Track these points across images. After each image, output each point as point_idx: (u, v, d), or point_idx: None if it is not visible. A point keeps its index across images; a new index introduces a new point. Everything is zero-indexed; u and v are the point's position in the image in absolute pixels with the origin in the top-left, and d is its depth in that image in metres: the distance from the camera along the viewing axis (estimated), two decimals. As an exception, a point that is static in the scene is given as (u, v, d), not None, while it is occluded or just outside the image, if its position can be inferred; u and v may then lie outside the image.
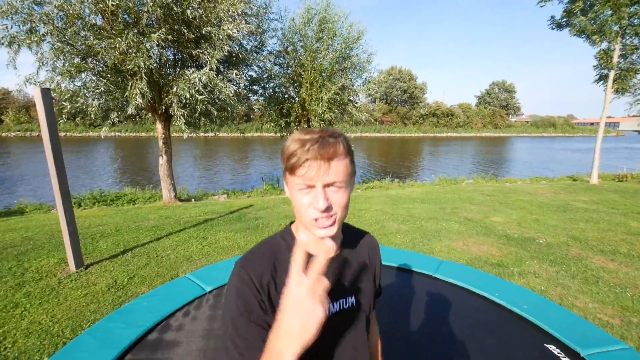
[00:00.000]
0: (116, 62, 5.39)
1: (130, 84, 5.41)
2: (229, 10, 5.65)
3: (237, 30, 5.89)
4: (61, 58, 5.23)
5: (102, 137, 6.79)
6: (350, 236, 0.81)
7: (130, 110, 5.59)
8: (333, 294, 0.70)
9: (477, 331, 2.09)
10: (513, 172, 16.79)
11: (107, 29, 5.25)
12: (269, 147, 28.94)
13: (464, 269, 3.09)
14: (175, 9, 5.24)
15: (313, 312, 0.48)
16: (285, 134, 9.24)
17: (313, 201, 0.62)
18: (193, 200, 8.11)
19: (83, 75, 5.68)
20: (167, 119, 6.90)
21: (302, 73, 8.33)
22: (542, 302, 2.46)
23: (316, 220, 0.63)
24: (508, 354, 1.89)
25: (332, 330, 0.69)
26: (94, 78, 5.79)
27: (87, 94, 5.83)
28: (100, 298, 2.71)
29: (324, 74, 8.24)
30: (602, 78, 9.75)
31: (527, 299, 2.47)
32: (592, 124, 77.42)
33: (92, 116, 5.89)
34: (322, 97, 7.95)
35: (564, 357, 1.85)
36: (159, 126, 6.93)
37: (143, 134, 38.75)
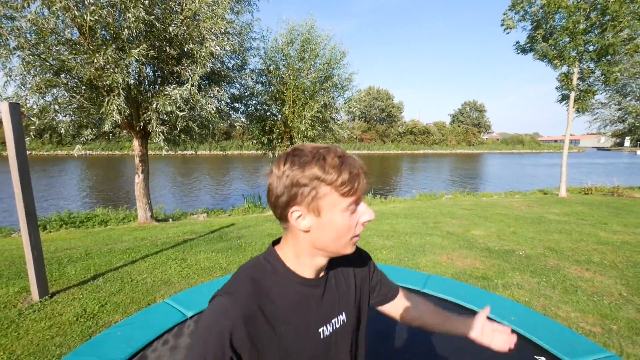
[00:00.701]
0: (92, 77, 5.23)
1: (106, 100, 5.25)
2: (212, 29, 5.69)
3: (220, 48, 5.92)
4: (31, 72, 5.01)
5: (76, 155, 6.43)
6: None
7: (107, 127, 5.39)
8: (327, 316, 0.68)
9: (468, 345, 2.06)
10: (488, 187, 17.49)
11: (83, 44, 5.12)
12: (250, 165, 28.66)
13: (451, 282, 3.10)
14: (157, 25, 5.21)
15: None
16: (267, 151, 9.21)
17: (364, 215, 0.61)
18: (171, 220, 7.78)
19: (55, 90, 5.46)
20: (144, 136, 6.71)
21: (285, 91, 8.43)
22: (528, 313, 2.50)
23: (357, 236, 0.62)
24: (501, 368, 1.87)
25: (327, 350, 0.67)
26: (66, 94, 5.57)
27: (58, 110, 5.58)
28: (67, 329, 2.47)
29: (306, 92, 8.39)
30: (564, 98, 10.54)
31: (514, 310, 2.49)
32: (555, 141, 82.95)
33: (63, 132, 5.61)
34: (305, 115, 8.05)
35: (554, 368, 1.86)
36: (135, 143, 6.71)
37: (116, 152, 37.41)
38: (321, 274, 0.69)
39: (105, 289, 3.16)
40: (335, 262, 0.73)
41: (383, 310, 0.91)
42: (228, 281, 0.62)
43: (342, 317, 0.71)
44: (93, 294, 3.06)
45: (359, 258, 0.82)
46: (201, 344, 0.54)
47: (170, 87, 5.59)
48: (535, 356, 1.99)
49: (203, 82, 6.52)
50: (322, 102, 8.34)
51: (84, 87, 5.54)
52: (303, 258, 0.64)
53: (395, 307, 0.90)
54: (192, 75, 5.60)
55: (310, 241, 0.61)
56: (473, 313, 2.53)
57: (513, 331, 2.21)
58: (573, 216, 7.17)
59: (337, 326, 0.69)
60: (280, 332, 0.60)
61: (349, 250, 0.63)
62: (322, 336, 0.66)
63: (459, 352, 2.00)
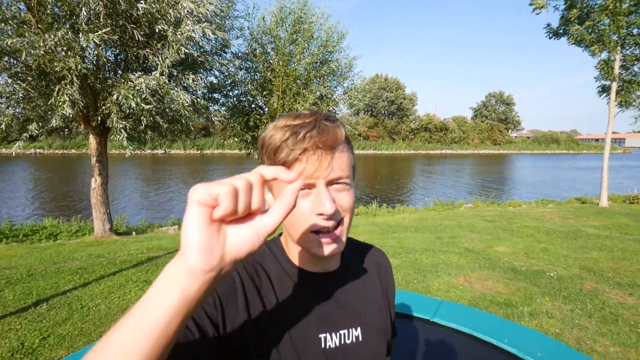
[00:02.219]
0: (40, 62, 5.22)
1: (57, 89, 5.23)
2: (193, 12, 5.69)
3: (203, 33, 5.90)
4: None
5: (14, 154, 6.37)
6: (352, 251, 0.76)
7: (55, 122, 5.36)
8: (332, 323, 0.65)
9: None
10: (516, 194, 17.58)
11: (31, 22, 5.13)
12: (232, 167, 28.65)
13: (466, 310, 3.09)
14: (122, 4, 5.21)
15: (191, 193, 0.35)
16: (251, 150, 9.21)
17: (316, 205, 0.56)
18: (134, 233, 7.74)
19: (-5, 77, 5.44)
20: (103, 132, 6.68)
21: (273, 79, 8.47)
22: (557, 347, 2.49)
23: (318, 232, 0.58)
24: (523, 415, 1.86)
25: None
26: (9, 81, 5.55)
27: (0, 101, 5.56)
28: (-1, 367, 2.44)
29: (298, 81, 8.43)
30: (605, 90, 10.67)
31: (540, 344, 2.48)
32: (597, 140, 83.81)
33: (4, 127, 5.58)
34: (297, 108, 8.07)
35: (586, 414, 1.85)
36: (92, 141, 6.69)
37: (73, 150, 37.32)
38: (329, 269, 0.68)
39: (49, 318, 3.12)
40: (355, 262, 0.74)
41: None
42: None
43: (356, 332, 0.68)
44: (34, 324, 3.02)
45: (386, 267, 0.80)
46: None
47: (134, 75, 5.59)
48: (564, 400, 1.98)
49: (176, 69, 6.53)
50: (318, 93, 8.37)
51: (30, 75, 5.52)
52: (290, 244, 0.67)
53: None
54: (162, 62, 5.59)
55: (284, 225, 0.62)
56: (492, 347, 2.52)
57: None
58: (615, 230, 7.22)
59: (348, 341, 0.66)
60: (267, 320, 0.61)
61: (315, 249, 0.59)
62: (323, 344, 0.64)
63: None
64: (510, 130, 69.45)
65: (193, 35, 5.77)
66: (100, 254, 5.40)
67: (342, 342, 0.66)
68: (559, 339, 2.95)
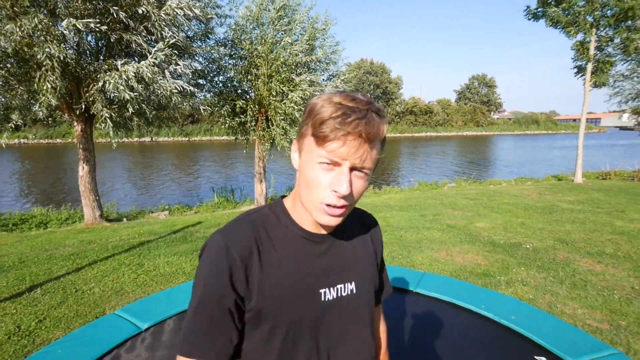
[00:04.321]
0: (18, 48, 5.02)
1: (38, 76, 5.05)
2: None
3: (189, 12, 5.69)
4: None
5: (3, 145, 6.17)
6: (350, 215, 0.81)
7: (39, 111, 5.19)
8: (331, 279, 0.71)
9: (464, 347, 2.18)
10: (497, 174, 17.94)
11: (5, 7, 4.89)
12: (220, 152, 28.32)
13: (447, 281, 3.22)
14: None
15: None
16: (239, 136, 9.11)
17: (334, 182, 0.60)
18: (125, 219, 7.67)
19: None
20: (87, 120, 6.52)
21: (259, 64, 8.31)
22: (530, 311, 2.63)
23: (328, 205, 0.62)
24: (497, 370, 1.99)
25: (331, 319, 0.71)
26: (-13, 68, 5.33)
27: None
28: (-3, 350, 2.45)
29: (284, 66, 8.30)
30: (580, 70, 10.84)
31: (515, 309, 2.62)
32: (574, 120, 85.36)
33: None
34: (288, 94, 7.98)
35: (554, 368, 1.98)
36: (77, 128, 6.52)
37: (58, 140, 36.19)
38: (328, 231, 0.73)
39: (43, 302, 3.12)
40: (350, 224, 0.78)
41: None
42: (228, 223, 0.69)
43: (351, 286, 0.73)
44: (29, 308, 3.02)
45: (376, 228, 0.86)
46: (201, 286, 0.64)
47: (119, 61, 5.41)
48: (535, 356, 2.11)
49: (164, 55, 6.34)
50: (309, 79, 8.25)
51: (9, 61, 5.31)
52: (298, 206, 0.70)
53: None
54: (156, 50, 5.39)
55: (298, 184, 0.68)
56: (470, 313, 2.64)
57: (511, 330, 2.32)
58: (588, 204, 7.49)
59: (344, 294, 0.72)
60: (278, 281, 0.66)
61: (318, 215, 0.64)
62: (323, 298, 0.70)
63: (453, 357, 2.10)
64: (492, 112, 70.02)
65: (178, 13, 5.58)
66: (91, 240, 5.36)
67: (339, 295, 0.71)
68: (532, 304, 3.10)
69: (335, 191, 0.60)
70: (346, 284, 0.73)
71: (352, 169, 0.60)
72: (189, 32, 7.06)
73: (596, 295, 3.28)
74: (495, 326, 2.42)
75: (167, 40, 5.53)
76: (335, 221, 0.64)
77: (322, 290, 0.70)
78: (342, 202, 0.61)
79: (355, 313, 0.74)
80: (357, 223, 0.81)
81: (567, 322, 2.60)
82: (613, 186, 10.12)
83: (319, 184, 0.61)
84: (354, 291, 0.73)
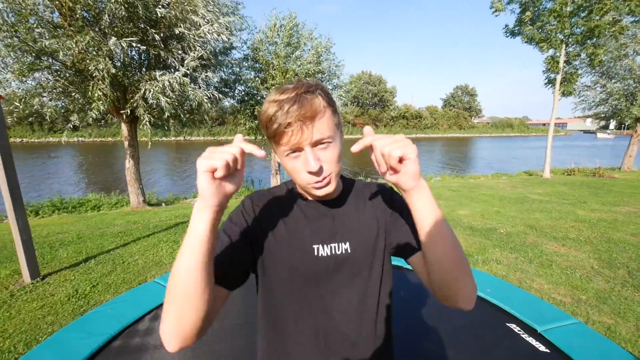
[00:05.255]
0: (75, 61, 5.03)
1: (91, 85, 5.07)
2: (205, 17, 5.44)
3: (218, 35, 5.68)
4: (12, 55, 4.79)
5: (63, 142, 6.25)
6: (351, 185, 0.78)
7: (93, 114, 5.22)
8: (325, 238, 0.69)
9: (445, 314, 2.16)
10: (476, 169, 17.67)
11: (64, 26, 4.89)
12: (243, 151, 28.33)
13: (432, 259, 3.18)
14: (140, 8, 4.97)
15: (198, 164, 0.50)
16: (257, 136, 9.11)
17: (305, 165, 0.60)
18: (163, 204, 7.74)
19: (38, 74, 5.25)
20: (132, 121, 6.55)
21: (274, 75, 8.25)
22: (503, 285, 2.59)
23: (317, 182, 0.62)
24: (474, 333, 1.97)
25: (327, 273, 0.69)
26: (50, 77, 5.36)
27: (43, 94, 5.39)
28: (58, 309, 2.49)
29: (296, 76, 8.22)
30: (550, 81, 10.55)
31: (490, 283, 2.59)
32: (544, 124, 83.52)
33: (48, 118, 5.44)
34: None
35: (523, 334, 1.95)
36: (124, 128, 6.56)
37: (109, 138, 36.55)
38: (330, 199, 0.71)
39: (96, 271, 3.17)
40: (352, 197, 0.75)
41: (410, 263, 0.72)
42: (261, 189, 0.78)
43: (345, 246, 0.69)
44: (85, 275, 3.07)
45: (384, 193, 0.76)
46: (237, 208, 0.73)
47: (158, 73, 5.40)
48: (506, 324, 2.08)
49: (194, 68, 6.32)
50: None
51: (67, 71, 5.33)
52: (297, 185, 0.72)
53: (416, 265, 0.70)
54: (187, 63, 5.38)
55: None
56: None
57: (486, 301, 2.28)
58: (555, 196, 7.34)
59: (338, 252, 0.69)
60: (278, 234, 0.69)
61: (312, 192, 0.64)
62: (316, 253, 0.68)
63: (437, 321, 2.08)
64: (473, 117, 68.77)
65: (209, 37, 5.57)
66: (136, 220, 5.42)
67: (333, 252, 0.69)
68: (505, 279, 3.06)
69: (308, 171, 0.60)
70: (340, 244, 0.70)
71: (314, 144, 0.59)
72: (216, 49, 7.02)
73: (560, 273, 3.22)
74: (473, 297, 2.40)
75: (197, 53, 5.50)
76: (328, 189, 0.63)
77: (315, 246, 0.68)
78: (320, 176, 0.61)
79: (351, 270, 0.69)
80: (358, 196, 0.76)
81: (535, 295, 2.56)
82: (577, 181, 9.90)
83: (296, 171, 0.62)
84: (349, 250, 0.69)
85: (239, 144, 0.52)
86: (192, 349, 1.80)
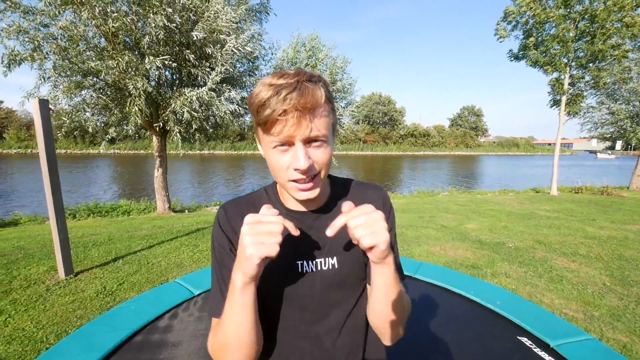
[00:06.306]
0: (116, 80, 5.31)
1: (129, 101, 5.32)
2: (229, 34, 5.66)
3: (241, 48, 5.87)
4: (62, 75, 5.10)
5: (102, 152, 6.54)
6: (345, 191, 0.67)
7: (130, 128, 5.45)
8: (309, 253, 0.61)
9: (454, 325, 2.04)
10: (483, 186, 17.21)
11: (109, 49, 5.20)
12: (261, 164, 28.79)
13: (441, 270, 3.06)
14: (176, 32, 5.24)
15: (246, 247, 0.47)
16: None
17: (292, 161, 0.51)
18: (187, 211, 7.87)
19: (84, 92, 5.56)
20: (163, 134, 6.79)
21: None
22: (513, 298, 2.45)
23: (295, 181, 0.53)
24: (484, 346, 1.85)
25: (312, 290, 0.61)
26: (93, 94, 5.67)
27: (86, 109, 5.69)
28: (87, 304, 2.52)
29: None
30: (556, 103, 10.29)
31: (499, 296, 2.45)
32: (549, 144, 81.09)
33: (91, 131, 5.71)
34: None
35: (535, 347, 1.82)
36: (155, 140, 6.80)
37: (142, 151, 37.98)
38: (310, 208, 0.62)
39: (124, 270, 3.21)
40: (340, 201, 0.64)
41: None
42: (233, 198, 0.69)
43: (332, 261, 0.61)
44: (113, 274, 3.12)
45: (377, 201, 0.66)
46: (215, 228, 0.64)
47: (187, 90, 5.62)
48: (517, 337, 1.95)
49: (217, 85, 6.55)
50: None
51: (109, 89, 5.63)
52: (279, 187, 0.64)
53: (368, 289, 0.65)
54: (212, 78, 5.59)
55: (271, 172, 0.58)
56: (461, 297, 2.48)
57: (496, 313, 2.16)
58: (563, 213, 7.01)
59: (324, 268, 0.61)
60: None
61: (293, 193, 0.55)
62: (300, 269, 0.60)
63: (445, 333, 1.98)
64: (479, 136, 67.68)
65: (235, 52, 5.77)
66: (161, 225, 5.52)
67: (319, 268, 0.61)
68: (515, 293, 2.89)
69: (296, 169, 0.51)
70: (327, 259, 0.61)
71: (306, 141, 0.50)
72: (240, 68, 7.26)
73: (571, 288, 3.02)
74: (483, 309, 2.27)
75: (222, 67, 5.68)
76: (311, 194, 0.54)
77: (299, 262, 0.60)
78: (306, 175, 0.52)
79: (338, 286, 0.62)
80: (350, 199, 0.67)
81: (546, 310, 2.40)
82: (584, 199, 9.45)
83: (281, 166, 0.52)
84: (336, 266, 0.61)
85: (279, 220, 0.48)
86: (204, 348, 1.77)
